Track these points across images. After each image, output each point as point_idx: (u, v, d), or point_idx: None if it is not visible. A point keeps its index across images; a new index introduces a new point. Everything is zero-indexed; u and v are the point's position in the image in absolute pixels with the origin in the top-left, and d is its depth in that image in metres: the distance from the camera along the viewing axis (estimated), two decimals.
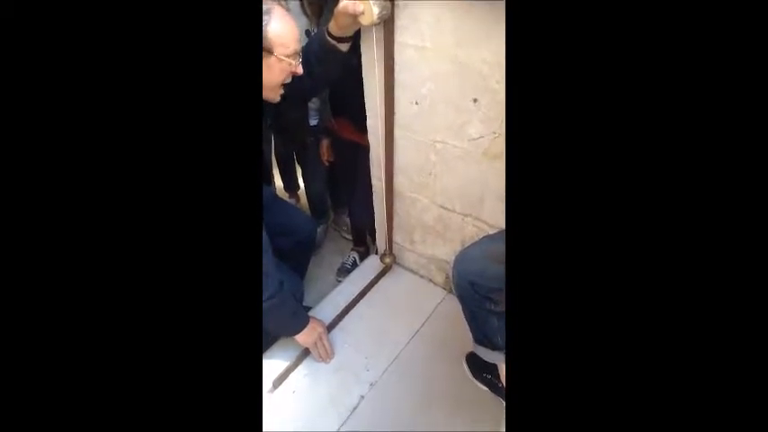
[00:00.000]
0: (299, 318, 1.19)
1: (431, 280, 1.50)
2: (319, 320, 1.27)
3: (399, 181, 1.28)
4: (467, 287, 0.96)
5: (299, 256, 1.47)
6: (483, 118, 0.97)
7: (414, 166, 1.21)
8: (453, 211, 1.22)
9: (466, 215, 1.20)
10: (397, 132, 1.17)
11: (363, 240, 1.87)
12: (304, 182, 1.97)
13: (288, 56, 0.88)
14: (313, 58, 1.00)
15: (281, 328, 1.20)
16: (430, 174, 1.19)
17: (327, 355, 1.26)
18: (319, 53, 1.00)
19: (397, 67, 1.03)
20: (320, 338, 1.24)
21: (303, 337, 1.21)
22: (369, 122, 1.23)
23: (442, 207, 1.24)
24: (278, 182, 2.13)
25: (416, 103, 1.07)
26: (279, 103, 0.98)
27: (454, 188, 1.17)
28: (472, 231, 1.22)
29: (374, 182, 1.38)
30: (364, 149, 1.36)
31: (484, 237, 1.07)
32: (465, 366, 1.21)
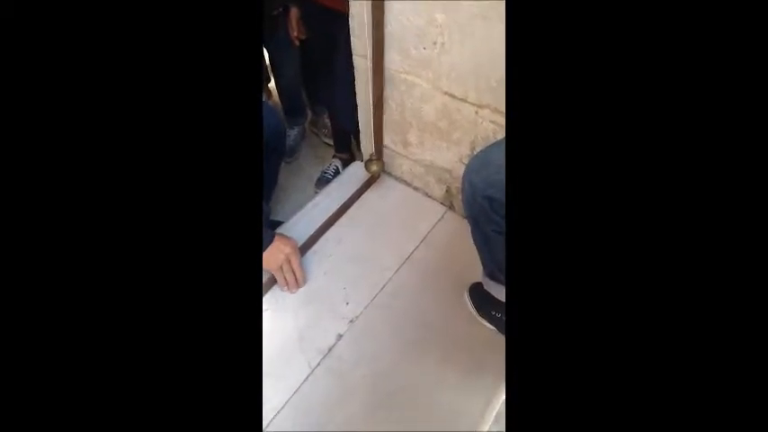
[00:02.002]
0: None
1: (427, 193, 1.22)
2: (288, 238, 1.01)
3: (391, 57, 0.93)
4: (482, 204, 0.68)
5: (264, 161, 1.16)
6: None
7: (411, 32, 0.86)
8: (464, 100, 0.89)
9: (481, 106, 0.88)
10: None
11: (347, 145, 1.56)
12: (272, 72, 1.59)
13: None
14: None
15: None
16: (434, 43, 0.84)
17: (295, 284, 1.01)
18: None
19: None
20: (287, 261, 0.98)
21: (265, 259, 0.97)
22: None
23: (447, 94, 0.91)
24: None
25: None
26: None
27: (467, 66, 0.83)
28: (488, 130, 0.91)
29: (357, 60, 1.02)
30: (345, 20, 0.99)
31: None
32: (467, 301, 0.98)
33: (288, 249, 0.98)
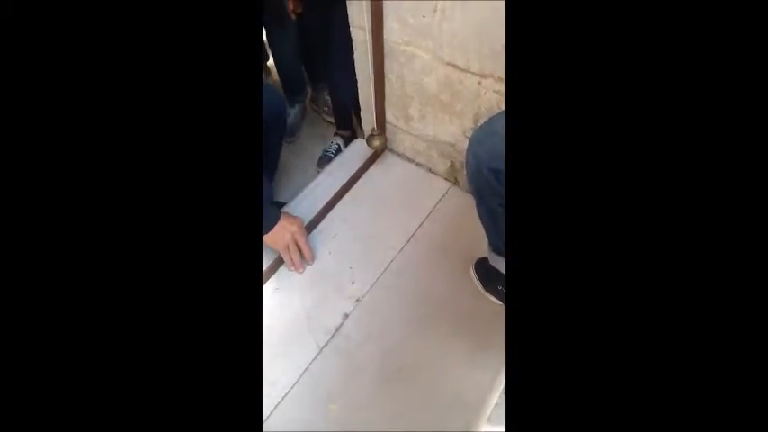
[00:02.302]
0: (264, 213, 0.94)
1: (431, 169, 1.20)
2: (294, 217, 1.00)
3: (389, 26, 0.90)
4: (487, 177, 0.66)
5: (265, 141, 1.15)
6: None
7: None
8: (467, 70, 0.86)
9: (484, 76, 0.84)
10: None
11: (348, 122, 1.53)
12: (270, 48, 1.55)
13: None
14: None
15: None
16: (435, 10, 0.80)
17: (301, 264, 1.01)
18: None
19: None
20: (294, 240, 0.97)
21: (272, 238, 0.96)
22: None
23: (450, 65, 0.88)
24: None
25: None
26: None
27: (469, 33, 0.79)
28: (492, 101, 0.87)
29: (354, 32, 0.99)
30: None
31: None
32: (473, 276, 0.97)
33: (294, 228, 0.98)
